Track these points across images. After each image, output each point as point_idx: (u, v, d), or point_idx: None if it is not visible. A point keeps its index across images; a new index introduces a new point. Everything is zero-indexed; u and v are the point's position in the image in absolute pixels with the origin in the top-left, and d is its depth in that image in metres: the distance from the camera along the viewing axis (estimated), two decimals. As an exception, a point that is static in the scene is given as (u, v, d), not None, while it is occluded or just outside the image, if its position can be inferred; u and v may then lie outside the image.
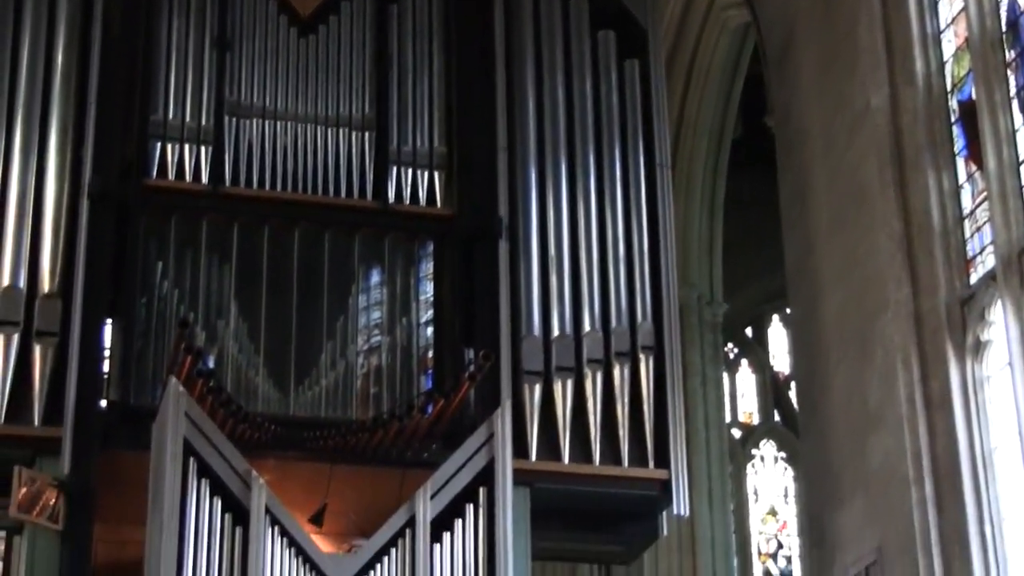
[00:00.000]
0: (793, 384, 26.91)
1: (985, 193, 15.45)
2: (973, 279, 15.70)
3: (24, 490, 14.01)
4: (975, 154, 15.80)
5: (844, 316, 17.54)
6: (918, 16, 16.67)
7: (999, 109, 15.18)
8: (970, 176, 16.01)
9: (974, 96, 15.79)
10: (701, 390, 25.89)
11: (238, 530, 12.98)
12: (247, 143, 16.05)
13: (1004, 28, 15.42)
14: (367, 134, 16.42)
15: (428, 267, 16.44)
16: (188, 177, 15.77)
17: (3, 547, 16.60)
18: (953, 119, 16.37)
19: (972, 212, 15.93)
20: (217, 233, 15.92)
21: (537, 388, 15.76)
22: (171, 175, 15.77)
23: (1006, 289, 14.72)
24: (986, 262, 15.53)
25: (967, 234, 15.98)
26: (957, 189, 16.16)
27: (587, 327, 16.12)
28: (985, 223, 15.58)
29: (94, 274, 15.08)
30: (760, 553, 29.05)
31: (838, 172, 17.93)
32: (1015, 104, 15.15)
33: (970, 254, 15.86)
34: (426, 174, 16.41)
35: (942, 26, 16.58)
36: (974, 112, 15.71)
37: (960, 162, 16.23)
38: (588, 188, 16.67)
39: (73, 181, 15.39)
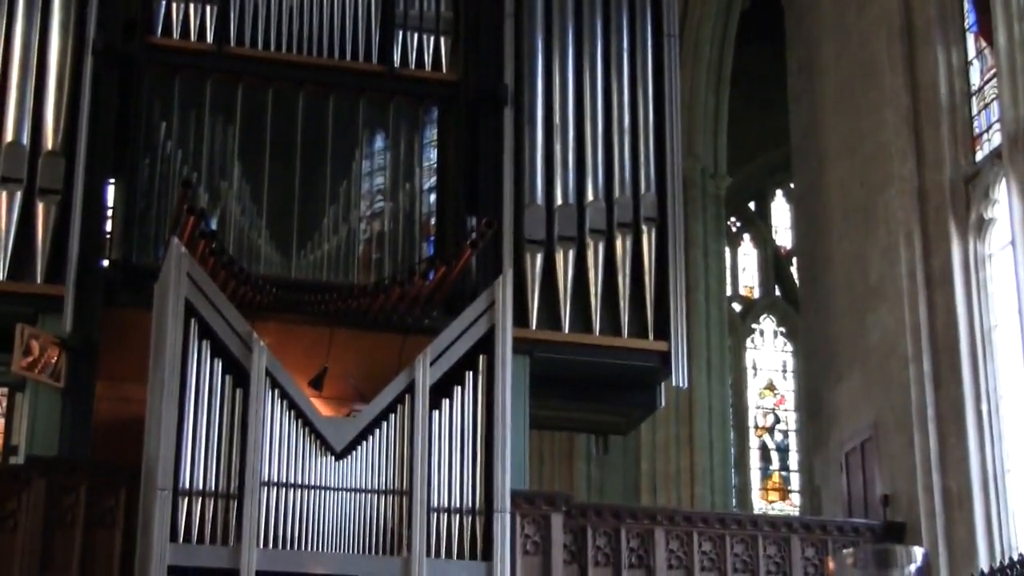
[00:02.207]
0: (795, 259, 26.84)
1: (994, 70, 15.36)
2: (979, 156, 15.66)
3: (26, 347, 14.04)
4: (985, 30, 15.67)
5: (848, 191, 17.51)
6: None
7: (1012, -16, 15.05)
8: (980, 52, 15.90)
9: (987, -30, 15.65)
10: (703, 263, 25.89)
11: (238, 392, 13.04)
12: (253, 3, 15.88)
13: (1020, -99, 15.25)
14: (374, -3, 16.28)
15: (432, 133, 16.36)
16: (193, 36, 15.66)
17: (5, 404, 16.67)
18: (965, -7, 16.25)
19: (980, 89, 15.85)
20: (221, 94, 15.81)
21: (539, 257, 15.77)
22: (176, 33, 15.66)
23: (1011, 167, 14.68)
24: (992, 140, 15.48)
25: (974, 111, 15.91)
26: (966, 65, 16.06)
27: (590, 197, 16.09)
28: (993, 100, 15.51)
29: (98, 132, 15.04)
30: (757, 427, 29.13)
31: (847, 45, 17.79)
32: (1028, -21, 15.02)
33: (977, 131, 15.81)
34: (432, 39, 16.28)
35: (957, -102, 16.40)
36: (986, -14, 15.58)
37: (970, 38, 16.11)
38: (595, 56, 16.56)
39: (77, 38, 15.30)
